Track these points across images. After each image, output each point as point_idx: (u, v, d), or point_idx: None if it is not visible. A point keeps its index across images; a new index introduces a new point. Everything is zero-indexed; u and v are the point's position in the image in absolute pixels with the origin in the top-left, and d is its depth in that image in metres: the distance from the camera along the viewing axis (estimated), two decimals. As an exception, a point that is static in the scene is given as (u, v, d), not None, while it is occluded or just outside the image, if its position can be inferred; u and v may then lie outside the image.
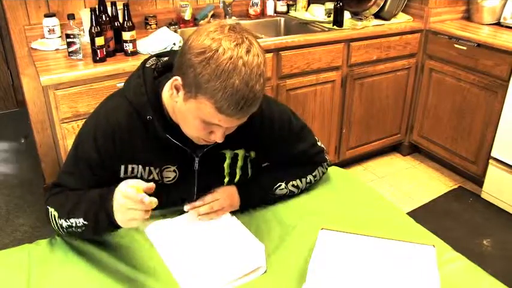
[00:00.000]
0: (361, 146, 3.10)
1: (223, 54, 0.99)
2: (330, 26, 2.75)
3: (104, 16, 2.13)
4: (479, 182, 2.88)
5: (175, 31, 2.55)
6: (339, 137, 2.97)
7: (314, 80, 2.67)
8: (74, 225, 1.15)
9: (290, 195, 1.42)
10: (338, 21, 2.73)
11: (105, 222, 1.10)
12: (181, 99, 1.07)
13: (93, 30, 2.06)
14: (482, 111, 2.74)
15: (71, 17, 2.10)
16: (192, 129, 1.12)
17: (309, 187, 1.46)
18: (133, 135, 1.18)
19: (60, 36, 2.32)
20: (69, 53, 2.16)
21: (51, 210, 1.19)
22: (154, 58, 1.22)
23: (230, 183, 1.33)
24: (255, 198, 1.38)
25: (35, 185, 2.93)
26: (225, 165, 1.30)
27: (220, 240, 1.21)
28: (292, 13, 3.08)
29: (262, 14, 3.02)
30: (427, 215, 2.70)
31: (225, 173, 1.31)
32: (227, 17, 2.87)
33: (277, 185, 1.39)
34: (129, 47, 2.17)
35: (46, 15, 2.32)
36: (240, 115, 1.04)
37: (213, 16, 2.80)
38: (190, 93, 1.04)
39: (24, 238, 2.49)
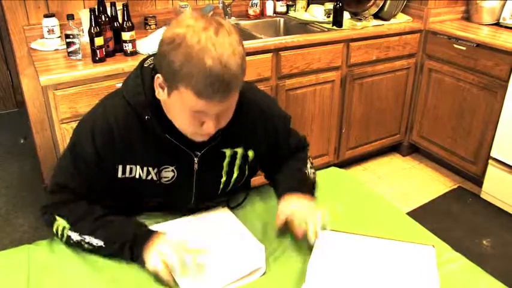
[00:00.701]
0: (360, 146, 3.11)
1: (192, 38, 0.98)
2: (330, 26, 2.75)
3: (103, 16, 2.13)
4: (479, 182, 2.88)
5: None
6: (339, 137, 2.97)
7: (313, 80, 2.67)
8: (86, 241, 1.16)
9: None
10: (337, 22, 2.73)
11: (126, 256, 1.14)
12: (166, 95, 1.08)
13: (92, 31, 2.06)
14: (482, 111, 2.74)
15: (70, 17, 2.10)
16: (184, 124, 1.10)
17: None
18: (131, 135, 1.18)
19: (59, 37, 2.32)
20: (68, 53, 2.15)
21: (60, 220, 1.19)
22: (152, 58, 1.20)
23: (227, 182, 1.32)
24: (306, 184, 1.37)
25: (34, 186, 2.93)
26: (224, 163, 1.28)
27: (221, 241, 1.21)
28: (291, 13, 3.08)
29: (262, 14, 3.02)
30: (426, 215, 2.70)
31: (223, 172, 1.29)
32: (226, 17, 2.87)
33: (304, 169, 1.40)
34: (128, 47, 2.17)
35: (45, 16, 2.32)
36: (220, 97, 1.01)
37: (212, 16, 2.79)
38: (171, 86, 1.04)
39: (24, 238, 2.48)
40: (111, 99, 1.23)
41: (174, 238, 1.16)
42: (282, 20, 3.02)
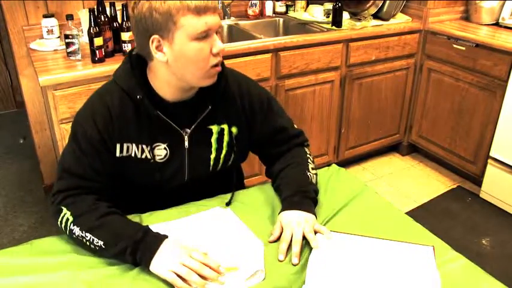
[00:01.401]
0: (360, 146, 3.11)
1: None
2: (329, 26, 2.76)
3: (102, 17, 2.13)
4: (478, 181, 2.89)
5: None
6: (338, 137, 2.97)
7: (313, 80, 2.67)
8: (87, 239, 1.15)
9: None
10: (337, 22, 2.73)
11: (128, 261, 1.13)
12: (169, 49, 1.17)
13: (91, 31, 2.06)
14: (481, 111, 2.75)
15: (70, 17, 2.10)
16: (199, 58, 1.18)
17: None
18: (126, 115, 1.25)
19: (58, 37, 2.32)
20: (67, 53, 2.15)
21: (66, 212, 1.20)
22: (136, 40, 1.29)
23: (217, 158, 1.37)
24: (307, 196, 1.34)
25: (33, 186, 2.93)
26: (213, 140, 1.35)
27: (220, 241, 1.21)
28: (291, 13, 3.08)
29: (261, 14, 3.02)
30: (426, 215, 2.70)
31: (213, 148, 1.36)
32: (226, 17, 2.88)
33: (307, 175, 1.39)
34: (127, 48, 2.17)
35: (45, 16, 2.32)
36: (213, 9, 1.16)
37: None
38: (170, 30, 1.15)
39: (23, 238, 2.48)
40: (104, 87, 1.32)
41: (183, 242, 1.15)
42: (281, 20, 3.02)
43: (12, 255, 1.17)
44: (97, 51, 2.09)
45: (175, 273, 1.06)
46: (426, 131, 3.15)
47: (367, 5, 2.88)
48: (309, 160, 1.46)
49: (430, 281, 1.06)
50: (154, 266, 1.09)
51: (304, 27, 2.85)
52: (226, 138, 1.37)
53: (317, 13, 2.97)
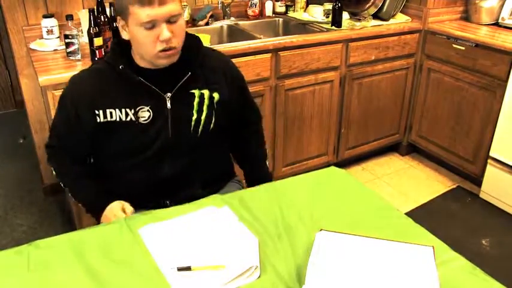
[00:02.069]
0: (359, 146, 3.11)
1: None
2: (329, 26, 2.76)
3: (102, 17, 2.13)
4: (478, 181, 2.89)
5: (174, 31, 2.55)
6: (338, 137, 2.97)
7: (313, 80, 2.67)
8: (65, 190, 1.60)
9: None
10: (337, 22, 2.73)
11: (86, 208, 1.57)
12: (127, 31, 1.37)
13: (91, 31, 2.06)
14: (481, 111, 2.75)
15: (70, 17, 2.10)
16: (146, 41, 1.33)
17: None
18: (110, 84, 1.43)
19: (58, 37, 2.32)
20: (67, 53, 2.15)
21: (53, 169, 1.58)
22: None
23: (197, 119, 1.50)
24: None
25: (33, 186, 2.93)
26: (195, 103, 1.49)
27: (212, 240, 1.21)
28: (290, 14, 3.08)
29: (261, 14, 3.02)
30: (425, 215, 2.70)
31: (194, 110, 1.49)
32: (226, 17, 2.88)
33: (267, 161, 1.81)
34: (127, 48, 2.17)
35: (44, 16, 2.32)
36: (159, 2, 1.27)
37: (211, 17, 2.80)
38: (126, 15, 1.32)
39: (23, 238, 2.48)
40: (83, 70, 1.54)
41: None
42: (281, 20, 3.02)
43: (12, 256, 1.17)
44: (97, 51, 2.09)
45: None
46: (426, 131, 3.15)
47: (367, 5, 2.88)
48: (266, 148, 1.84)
49: (429, 281, 1.06)
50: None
51: (304, 27, 2.85)
52: (206, 102, 1.51)
53: (317, 13, 2.97)
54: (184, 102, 1.48)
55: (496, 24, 2.93)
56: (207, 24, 2.79)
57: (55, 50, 2.29)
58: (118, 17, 1.38)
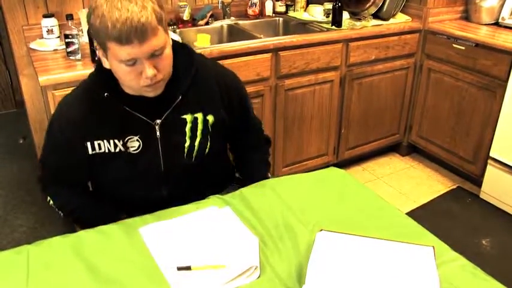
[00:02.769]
0: (359, 146, 3.11)
1: (101, 2, 1.16)
2: (329, 26, 2.75)
3: (102, 16, 2.12)
4: (478, 182, 2.89)
5: (174, 31, 2.55)
6: (338, 137, 2.97)
7: (313, 80, 2.67)
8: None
9: None
10: (337, 22, 2.73)
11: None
12: (108, 63, 1.25)
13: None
14: (481, 111, 2.74)
15: (70, 17, 2.10)
16: (127, 78, 1.24)
17: None
18: (95, 114, 1.34)
19: (58, 37, 2.32)
20: (67, 53, 2.15)
21: (51, 201, 1.51)
22: None
23: (191, 146, 1.42)
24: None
25: (33, 186, 2.93)
26: (187, 129, 1.40)
27: (212, 240, 1.21)
28: (290, 13, 3.08)
29: (261, 14, 3.01)
30: (425, 215, 2.70)
31: (187, 137, 1.41)
32: (226, 17, 2.87)
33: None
34: (127, 47, 2.17)
35: (45, 16, 2.31)
36: (138, 40, 1.15)
37: (211, 16, 2.79)
38: (104, 49, 1.21)
39: (23, 239, 2.48)
40: (74, 90, 1.42)
41: None
42: (281, 19, 3.02)
43: (12, 256, 1.17)
44: (97, 51, 2.08)
45: None
46: (426, 131, 3.15)
47: (367, 5, 2.88)
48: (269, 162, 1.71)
49: (429, 281, 1.06)
50: None
51: (304, 26, 2.85)
52: (200, 126, 1.42)
53: (317, 13, 2.96)
54: (175, 129, 1.40)
55: (496, 24, 2.92)
56: (207, 23, 2.78)
57: (55, 49, 2.28)
58: (96, 46, 1.27)
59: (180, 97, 1.36)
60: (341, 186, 1.52)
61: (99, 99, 1.32)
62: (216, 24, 2.82)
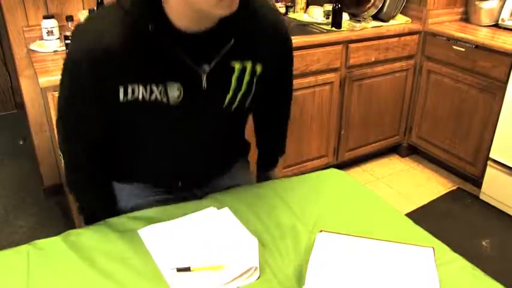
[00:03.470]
0: (359, 147, 3.11)
1: None
2: (329, 27, 2.76)
3: (102, 18, 2.12)
4: (478, 183, 2.89)
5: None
6: (338, 138, 2.97)
7: (313, 82, 2.67)
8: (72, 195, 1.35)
9: None
10: (336, 23, 2.73)
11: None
12: None
13: (91, 32, 2.05)
14: (481, 113, 2.75)
15: (70, 18, 2.10)
16: None
17: None
18: (132, 50, 1.06)
19: (58, 38, 2.32)
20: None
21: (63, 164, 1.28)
22: None
23: (233, 98, 1.23)
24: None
25: (33, 187, 2.93)
26: (233, 78, 1.20)
27: (211, 241, 1.21)
28: (290, 15, 3.08)
29: (261, 15, 3.01)
30: (425, 217, 2.70)
31: (231, 88, 1.20)
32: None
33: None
34: (127, 49, 2.17)
35: (45, 17, 2.32)
36: None
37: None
38: None
39: (23, 240, 2.48)
40: (103, 17, 1.11)
41: None
42: (281, 21, 3.01)
43: (12, 256, 1.17)
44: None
45: None
46: (426, 133, 3.15)
47: (367, 6, 2.88)
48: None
49: (429, 282, 1.06)
50: None
51: (304, 28, 2.85)
52: (247, 77, 1.21)
53: (317, 14, 2.97)
54: (221, 79, 1.18)
55: (496, 25, 2.93)
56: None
57: (55, 51, 2.29)
58: None
59: (233, 40, 1.13)
60: (341, 188, 1.52)
61: (140, 32, 1.04)
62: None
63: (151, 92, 1.11)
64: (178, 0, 1.02)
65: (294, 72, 2.53)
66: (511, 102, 2.55)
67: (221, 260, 1.13)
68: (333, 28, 2.74)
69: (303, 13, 3.09)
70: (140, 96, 1.11)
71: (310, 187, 1.49)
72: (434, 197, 2.91)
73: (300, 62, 2.56)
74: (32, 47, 2.33)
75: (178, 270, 1.10)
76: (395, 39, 2.89)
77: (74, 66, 1.08)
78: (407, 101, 3.16)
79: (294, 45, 2.47)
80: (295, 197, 1.43)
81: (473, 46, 2.70)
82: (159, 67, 1.10)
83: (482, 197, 2.86)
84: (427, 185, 3.04)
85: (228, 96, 1.21)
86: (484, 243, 2.50)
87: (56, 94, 1.98)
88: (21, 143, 3.52)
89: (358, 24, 2.76)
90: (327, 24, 2.81)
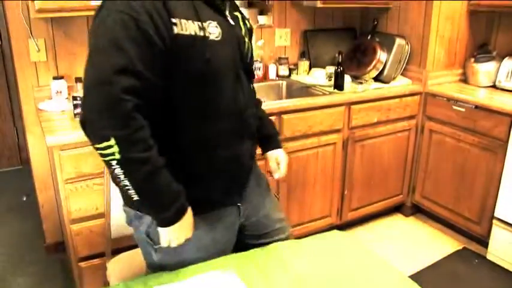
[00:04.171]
0: (363, 207, 3.09)
1: None
2: (331, 89, 2.82)
3: (110, 79, 2.18)
4: (484, 242, 2.85)
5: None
6: (341, 198, 2.96)
7: (316, 143, 2.70)
8: (124, 183, 1.15)
9: None
10: (339, 85, 2.80)
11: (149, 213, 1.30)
12: None
13: (99, 93, 2.10)
14: (483, 171, 2.75)
15: (79, 80, 2.16)
16: None
17: None
18: None
19: (67, 98, 2.38)
20: (75, 114, 2.19)
21: (112, 142, 1.10)
22: None
23: (248, 45, 1.44)
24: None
25: (34, 245, 2.91)
26: (241, 23, 1.42)
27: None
28: (293, 77, 3.16)
29: (265, 77, 3.09)
30: (431, 277, 2.65)
31: (243, 32, 1.42)
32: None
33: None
34: (134, 109, 2.21)
35: (54, 78, 2.39)
36: None
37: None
38: None
39: (21, 300, 2.44)
40: None
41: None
42: (284, 83, 3.09)
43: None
44: None
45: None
46: (429, 192, 3.14)
47: (368, 69, 2.96)
48: None
49: None
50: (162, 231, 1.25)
51: (306, 90, 2.92)
52: (243, 27, 1.43)
53: (319, 76, 3.04)
54: (236, 22, 1.40)
55: (494, 86, 2.99)
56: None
57: (63, 110, 2.33)
58: None
59: None
60: (345, 250, 1.51)
61: None
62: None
63: (200, 28, 1.22)
64: None
65: (298, 134, 2.60)
66: (513, 162, 2.57)
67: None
68: (336, 90, 2.80)
69: (306, 75, 3.16)
70: (192, 32, 1.20)
71: (314, 250, 1.48)
72: (440, 258, 2.86)
73: (303, 123, 2.60)
74: (41, 106, 2.38)
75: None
76: (397, 100, 2.94)
77: (125, 13, 1.11)
78: (410, 160, 3.18)
79: (297, 107, 2.56)
80: (299, 261, 1.42)
81: (473, 106, 2.75)
82: (199, 8, 1.24)
83: (489, 257, 2.81)
84: (432, 245, 3.00)
85: (246, 40, 1.42)
86: (492, 306, 2.44)
87: (63, 153, 2.02)
88: (24, 199, 3.53)
89: (360, 86, 2.83)
90: (329, 86, 2.88)
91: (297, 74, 3.19)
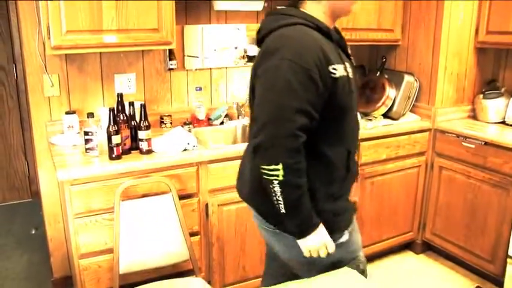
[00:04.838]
0: (373, 244, 3.05)
1: None
2: (340, 125, 2.82)
3: (121, 115, 2.21)
4: (499, 282, 2.78)
5: (189, 130, 2.63)
6: (351, 234, 2.93)
7: (324, 178, 2.69)
8: (279, 201, 1.39)
9: None
10: (347, 121, 2.80)
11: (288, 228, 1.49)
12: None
13: (110, 129, 2.12)
14: (495, 208, 2.72)
15: (91, 115, 2.18)
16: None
17: None
18: (324, 43, 1.43)
19: (78, 133, 2.41)
20: (86, 149, 2.21)
21: (280, 167, 1.34)
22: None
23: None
24: None
25: (42, 278, 2.89)
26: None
27: None
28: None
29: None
30: (444, 319, 2.59)
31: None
32: (240, 117, 2.93)
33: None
34: (144, 146, 2.23)
35: (67, 113, 2.43)
36: None
37: (226, 116, 2.87)
38: None
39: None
40: (296, 29, 1.44)
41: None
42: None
43: None
44: (115, 149, 2.14)
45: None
46: (440, 229, 3.10)
47: (378, 105, 2.97)
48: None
49: None
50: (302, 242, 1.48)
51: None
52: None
53: (328, 112, 3.05)
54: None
55: (503, 122, 2.99)
56: (221, 123, 2.86)
57: (74, 145, 2.36)
58: None
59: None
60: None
61: (321, 32, 1.46)
62: (231, 124, 2.89)
63: (344, 68, 1.46)
64: (333, 5, 1.50)
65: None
66: (525, 200, 2.54)
67: None
68: (344, 126, 2.80)
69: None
70: (343, 73, 1.44)
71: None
72: (453, 297, 2.80)
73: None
74: (53, 140, 2.41)
75: None
76: (406, 136, 2.94)
77: (306, 72, 1.35)
78: (420, 197, 3.15)
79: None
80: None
81: (483, 143, 2.74)
82: (336, 52, 1.47)
83: (503, 297, 2.75)
84: (444, 284, 2.94)
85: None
86: None
87: (73, 188, 2.03)
88: (33, 232, 3.53)
89: (369, 123, 2.84)
90: (338, 121, 2.88)
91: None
